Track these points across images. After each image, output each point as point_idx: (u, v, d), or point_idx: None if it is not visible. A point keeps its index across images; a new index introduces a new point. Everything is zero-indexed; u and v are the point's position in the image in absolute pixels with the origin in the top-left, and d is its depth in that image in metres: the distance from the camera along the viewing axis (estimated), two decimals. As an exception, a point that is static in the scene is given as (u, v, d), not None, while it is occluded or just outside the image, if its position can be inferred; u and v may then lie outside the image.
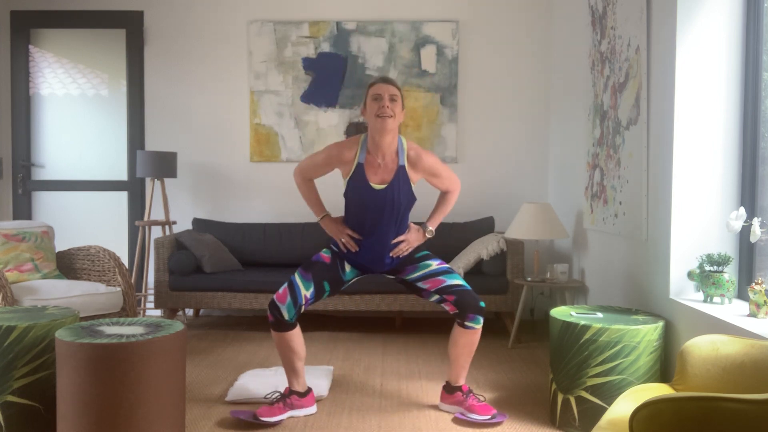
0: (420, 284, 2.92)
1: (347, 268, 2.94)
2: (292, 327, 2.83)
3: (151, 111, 5.08)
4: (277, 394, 2.97)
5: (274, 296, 2.82)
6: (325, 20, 5.00)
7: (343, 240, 2.90)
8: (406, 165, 2.83)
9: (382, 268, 2.96)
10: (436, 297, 2.89)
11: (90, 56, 5.11)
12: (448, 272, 2.91)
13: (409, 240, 2.92)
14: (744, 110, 2.75)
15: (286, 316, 2.78)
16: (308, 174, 2.96)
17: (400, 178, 2.82)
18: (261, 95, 5.02)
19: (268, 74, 5.02)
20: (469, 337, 2.89)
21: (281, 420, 2.79)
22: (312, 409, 2.92)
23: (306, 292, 2.82)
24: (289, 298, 2.79)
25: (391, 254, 2.91)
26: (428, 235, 2.96)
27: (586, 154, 4.00)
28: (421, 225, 2.99)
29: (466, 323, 2.86)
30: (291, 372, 2.89)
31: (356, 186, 2.82)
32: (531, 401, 3.10)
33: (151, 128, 5.08)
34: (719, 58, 2.76)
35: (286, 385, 3.17)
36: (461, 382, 2.96)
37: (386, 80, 2.82)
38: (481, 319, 2.87)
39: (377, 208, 2.83)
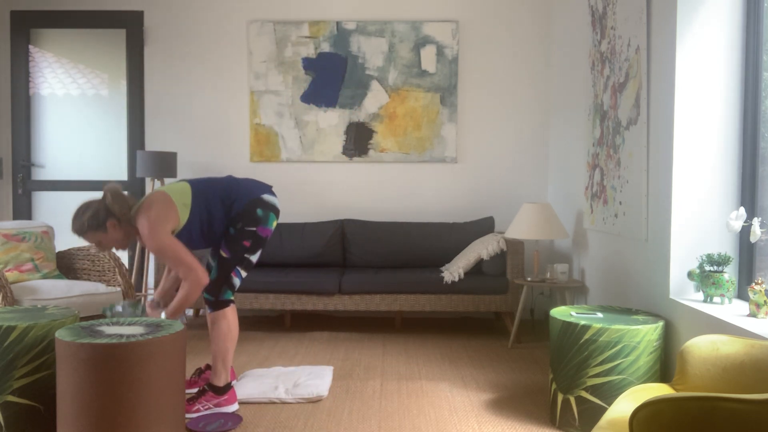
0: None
1: None
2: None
3: (151, 111, 5.08)
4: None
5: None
6: (325, 20, 5.00)
7: None
8: None
9: None
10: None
11: (90, 56, 5.11)
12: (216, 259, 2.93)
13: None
14: (744, 110, 2.75)
15: None
16: None
17: None
18: (261, 95, 5.02)
19: (268, 74, 5.02)
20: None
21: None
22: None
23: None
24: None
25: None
26: (163, 316, 2.87)
27: (586, 154, 4.00)
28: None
29: None
30: None
31: None
32: (531, 401, 3.10)
33: (151, 128, 5.08)
34: (719, 58, 2.76)
35: (287, 385, 3.18)
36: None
37: (77, 233, 2.76)
38: (209, 308, 2.92)
39: None
